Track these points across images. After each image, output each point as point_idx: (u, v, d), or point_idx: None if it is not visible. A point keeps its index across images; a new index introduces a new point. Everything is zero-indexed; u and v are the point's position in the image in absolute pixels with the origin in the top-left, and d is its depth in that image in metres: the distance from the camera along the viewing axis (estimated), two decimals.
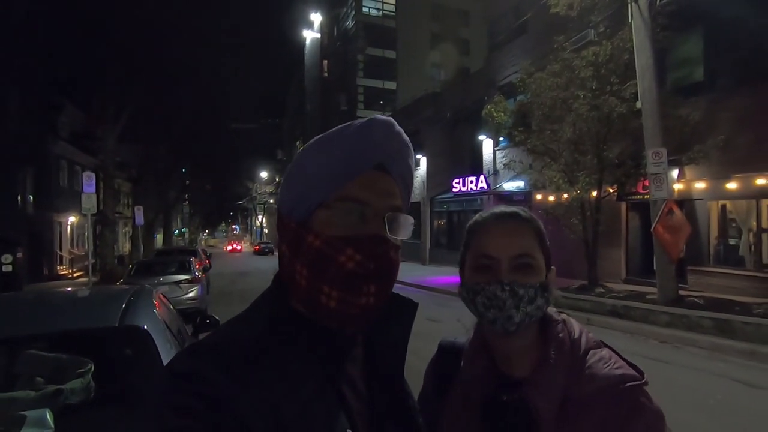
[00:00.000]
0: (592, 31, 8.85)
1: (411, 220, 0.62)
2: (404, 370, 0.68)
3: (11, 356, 1.52)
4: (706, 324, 6.41)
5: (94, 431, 1.44)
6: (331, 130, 0.62)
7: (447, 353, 0.89)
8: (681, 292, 7.89)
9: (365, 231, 0.57)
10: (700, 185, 9.17)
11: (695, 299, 7.62)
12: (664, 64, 9.19)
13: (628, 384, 0.71)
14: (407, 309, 0.67)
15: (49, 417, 1.24)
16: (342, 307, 0.56)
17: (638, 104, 8.11)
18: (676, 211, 7.65)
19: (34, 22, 14.83)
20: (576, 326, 0.81)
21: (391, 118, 0.62)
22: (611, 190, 9.69)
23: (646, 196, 8.86)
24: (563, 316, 0.82)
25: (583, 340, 0.78)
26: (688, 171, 9.25)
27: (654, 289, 8.02)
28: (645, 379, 0.73)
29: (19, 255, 11.48)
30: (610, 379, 0.71)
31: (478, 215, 0.84)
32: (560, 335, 0.77)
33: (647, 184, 8.12)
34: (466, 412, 0.78)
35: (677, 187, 9.14)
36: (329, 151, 0.60)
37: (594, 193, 9.39)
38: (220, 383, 0.50)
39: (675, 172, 9.11)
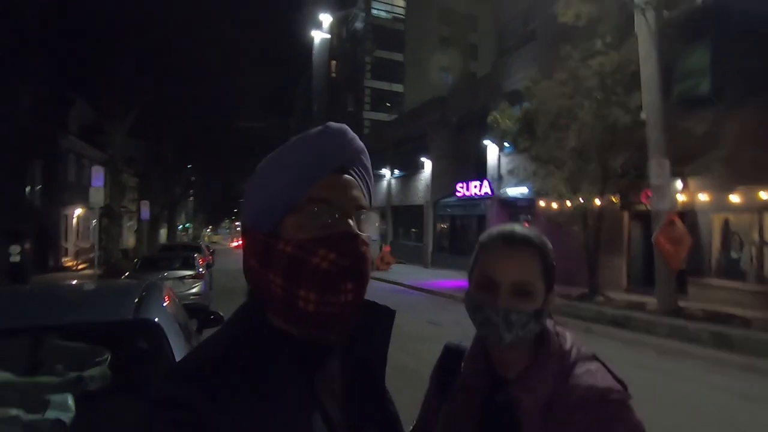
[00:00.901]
0: (599, 41, 8.90)
1: (376, 216, 0.65)
2: (385, 378, 0.68)
3: (35, 344, 1.61)
4: (705, 336, 6.43)
5: (110, 417, 1.53)
6: (288, 142, 0.64)
7: (451, 355, 0.96)
8: (681, 304, 7.90)
9: (335, 230, 0.58)
10: (704, 197, 9.17)
11: (694, 311, 7.64)
12: (670, 75, 9.21)
13: (610, 396, 0.75)
14: (385, 317, 0.67)
15: (70, 401, 1.32)
16: (321, 309, 0.56)
17: (643, 115, 8.14)
18: (678, 222, 7.68)
19: (47, 20, 15.04)
20: (569, 339, 0.86)
21: (344, 125, 0.65)
22: (614, 200, 9.71)
23: (648, 207, 8.89)
24: (559, 328, 0.87)
25: (574, 352, 0.82)
26: (692, 183, 9.27)
27: (655, 300, 8.05)
28: (628, 393, 0.77)
29: (27, 246, 11.65)
30: (592, 390, 0.75)
31: (490, 230, 0.87)
32: (552, 345, 0.83)
33: (650, 195, 8.16)
34: (463, 410, 0.85)
35: (681, 198, 9.16)
36: (290, 161, 0.61)
37: (597, 202, 9.42)
38: (200, 408, 0.50)
39: (678, 183, 9.14)
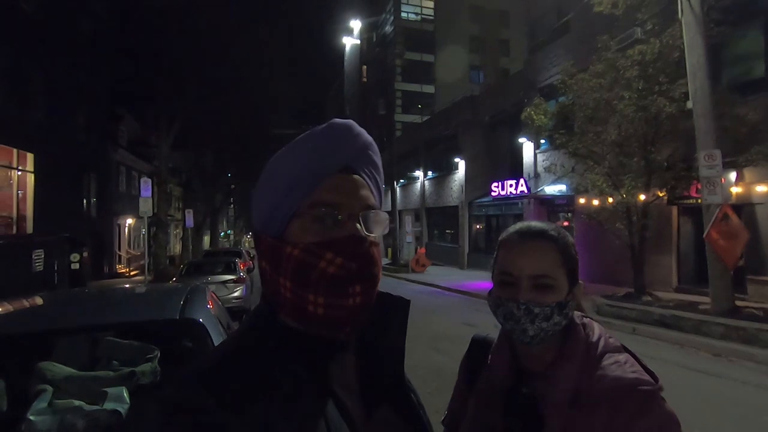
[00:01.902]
0: (639, 29, 8.51)
1: (385, 215, 0.61)
2: (404, 369, 0.67)
3: (92, 342, 1.75)
4: (766, 337, 5.99)
5: None
6: (292, 142, 0.62)
7: (478, 347, 0.97)
8: (739, 303, 7.40)
9: (341, 233, 0.57)
10: (762, 188, 8.56)
11: (754, 310, 7.13)
12: (718, 61, 8.69)
13: (638, 388, 0.73)
14: (399, 308, 0.66)
15: (125, 394, 1.43)
16: (330, 312, 0.56)
17: (689, 104, 7.71)
18: (732, 216, 7.20)
19: (98, 42, 16.18)
20: (596, 330, 0.84)
21: (350, 120, 0.63)
22: (661, 194, 9.25)
23: (699, 201, 8.39)
24: (585, 320, 0.86)
25: (601, 343, 0.81)
26: (747, 173, 8.67)
27: (708, 299, 7.58)
28: (659, 385, 0.74)
29: (85, 254, 12.50)
30: (620, 381, 0.74)
31: (507, 230, 0.88)
32: (578, 337, 0.82)
33: (700, 188, 7.70)
34: (489, 401, 0.86)
35: (735, 190, 8.58)
36: (293, 161, 0.60)
37: (641, 197, 9.00)
38: (214, 411, 0.49)
39: (732, 175, 8.57)
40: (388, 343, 0.65)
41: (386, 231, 0.61)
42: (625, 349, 0.82)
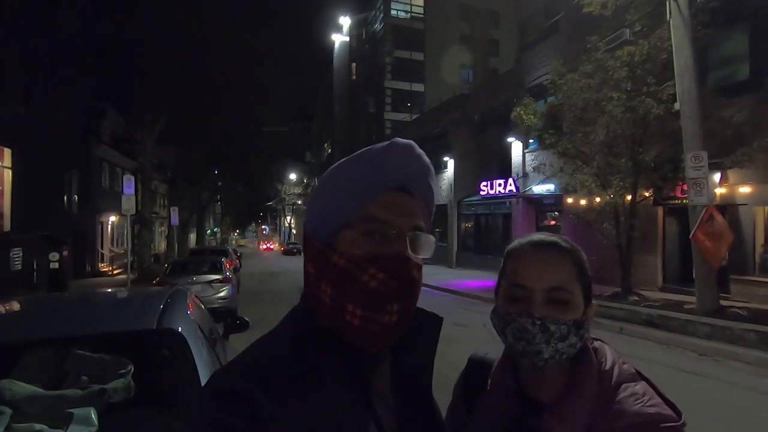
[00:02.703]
0: (627, 30, 8.55)
1: (432, 239, 0.62)
2: (432, 385, 0.67)
3: (59, 355, 1.63)
4: (751, 337, 6.06)
5: (132, 429, 1.52)
6: (353, 154, 0.64)
7: (476, 368, 0.89)
8: (723, 303, 7.50)
9: (388, 250, 0.58)
10: (745, 190, 8.70)
11: (738, 310, 7.23)
12: (705, 63, 8.78)
13: (660, 425, 0.66)
14: (432, 324, 0.67)
15: (93, 415, 1.32)
16: (365, 325, 0.57)
17: (677, 106, 7.78)
18: (718, 217, 7.29)
19: (81, 35, 15.73)
20: (609, 355, 0.77)
21: (411, 141, 0.63)
22: (647, 195, 9.33)
23: (684, 201, 8.48)
24: (597, 343, 0.79)
25: (615, 371, 0.74)
26: (732, 175, 8.80)
27: (693, 299, 7.66)
28: (682, 421, 0.67)
29: (65, 253, 12.14)
30: (641, 417, 0.67)
31: (516, 241, 0.82)
32: (590, 364, 0.74)
33: (686, 189, 7.78)
34: (489, 430, 0.78)
35: (719, 191, 8.70)
36: (351, 174, 0.61)
37: (628, 198, 9.08)
38: (261, 402, 0.51)
39: (717, 176, 8.68)
40: (419, 358, 0.66)
41: (431, 254, 0.62)
42: (641, 376, 0.75)
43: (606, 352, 0.78)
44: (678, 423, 0.67)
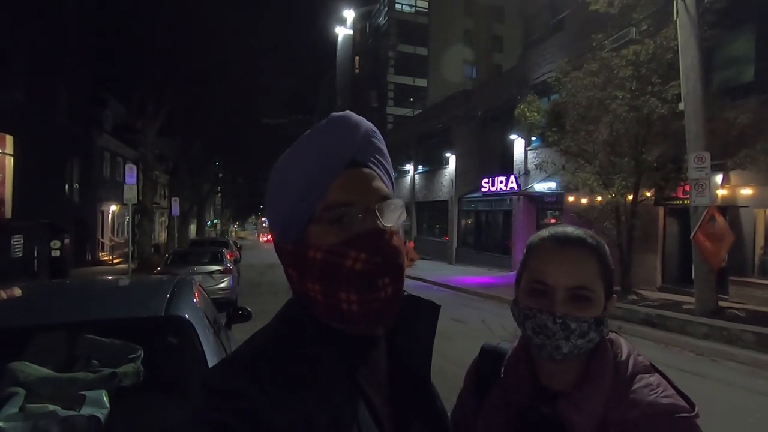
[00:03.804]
0: (634, 29, 8.51)
1: (400, 202, 0.60)
2: (430, 373, 0.67)
3: (70, 340, 1.65)
4: (748, 338, 6.11)
5: (142, 413, 1.55)
6: (293, 145, 0.61)
7: (489, 357, 0.89)
8: (721, 304, 7.54)
9: (360, 229, 0.56)
10: (746, 191, 8.70)
11: (736, 311, 7.27)
12: (710, 63, 8.74)
13: (675, 415, 0.67)
14: (430, 311, 0.67)
15: (105, 398, 1.34)
16: (365, 308, 0.56)
17: (681, 106, 7.76)
18: (719, 218, 7.30)
19: (83, 24, 15.64)
20: (625, 347, 0.77)
21: (347, 112, 0.61)
22: (649, 195, 9.34)
23: (686, 202, 8.50)
24: (612, 335, 0.79)
25: (631, 362, 0.74)
26: (734, 176, 8.80)
27: (691, 299, 7.70)
28: (695, 412, 0.68)
29: (66, 241, 12.17)
30: (655, 408, 0.67)
31: (540, 232, 0.80)
32: (606, 355, 0.75)
33: (688, 189, 7.78)
34: (502, 418, 0.79)
35: (721, 192, 8.71)
36: (300, 164, 0.59)
37: (630, 197, 9.09)
38: (256, 398, 0.50)
39: (719, 177, 8.68)
40: (416, 346, 0.66)
41: (403, 217, 0.61)
42: (655, 369, 0.76)
43: (621, 344, 0.78)
44: (692, 414, 0.68)
